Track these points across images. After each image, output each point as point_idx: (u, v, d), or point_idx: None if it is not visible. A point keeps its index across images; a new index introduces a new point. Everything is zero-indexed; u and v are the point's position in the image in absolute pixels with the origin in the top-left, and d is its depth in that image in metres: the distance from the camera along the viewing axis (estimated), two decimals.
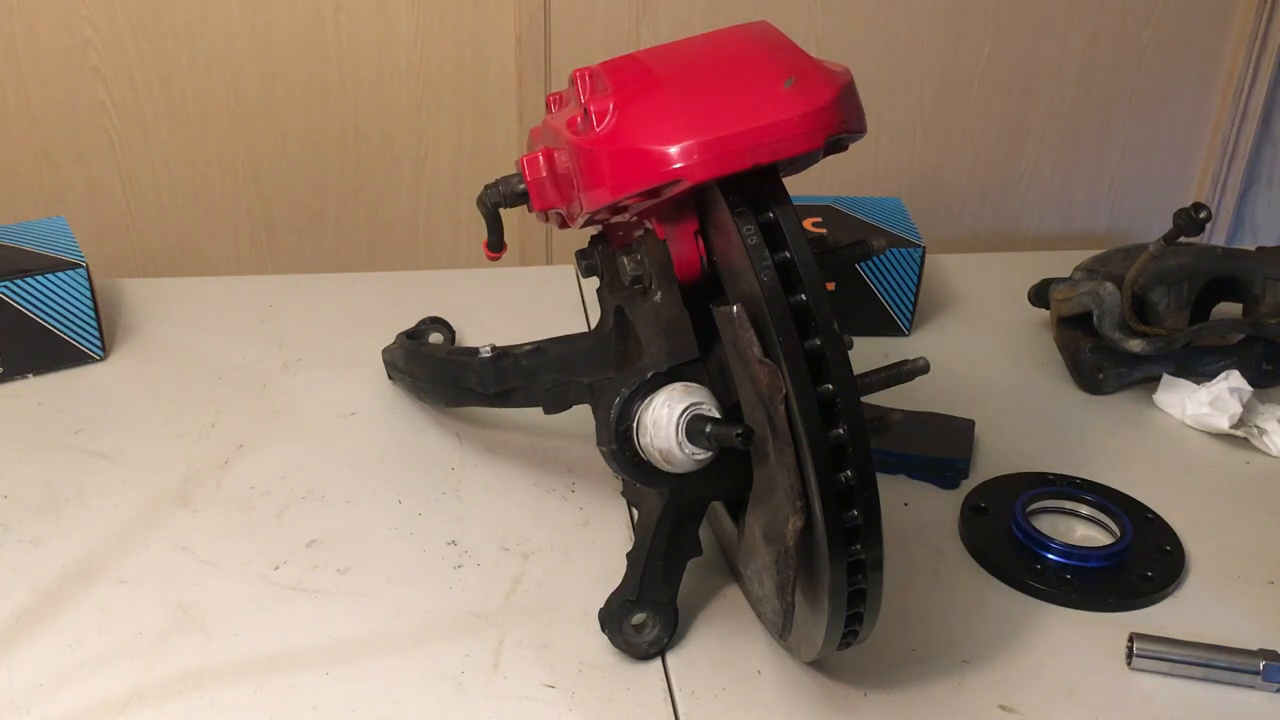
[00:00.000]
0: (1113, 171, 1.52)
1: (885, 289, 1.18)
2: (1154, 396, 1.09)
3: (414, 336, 1.10)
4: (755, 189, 0.68)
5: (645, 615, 0.78)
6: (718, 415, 0.69)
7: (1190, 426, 1.06)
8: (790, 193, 0.69)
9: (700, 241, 0.73)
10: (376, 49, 1.31)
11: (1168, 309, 1.08)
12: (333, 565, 0.86)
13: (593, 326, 0.89)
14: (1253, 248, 1.15)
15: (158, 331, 1.16)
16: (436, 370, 1.00)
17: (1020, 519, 0.89)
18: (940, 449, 0.98)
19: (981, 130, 1.47)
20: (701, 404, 0.69)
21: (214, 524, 0.90)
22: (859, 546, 0.67)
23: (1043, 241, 1.55)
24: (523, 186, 0.77)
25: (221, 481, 0.95)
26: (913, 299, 1.19)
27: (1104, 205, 1.54)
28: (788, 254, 0.67)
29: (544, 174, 0.76)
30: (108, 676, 0.76)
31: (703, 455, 0.69)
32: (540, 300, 1.25)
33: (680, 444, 0.69)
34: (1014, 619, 0.83)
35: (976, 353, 1.17)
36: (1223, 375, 1.06)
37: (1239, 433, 1.03)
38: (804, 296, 0.66)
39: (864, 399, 0.67)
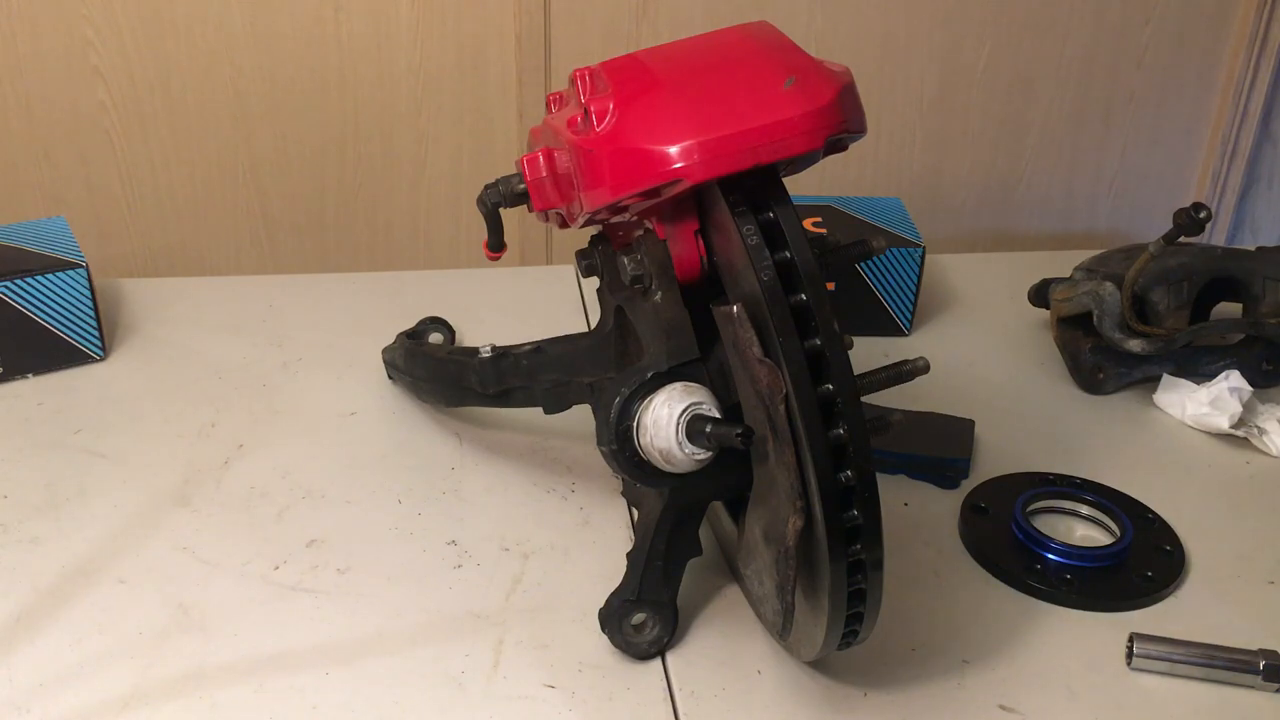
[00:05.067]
0: (1113, 171, 1.52)
1: (885, 289, 1.18)
2: (1154, 396, 1.09)
3: (414, 336, 1.10)
4: (755, 189, 0.68)
5: (645, 615, 0.78)
6: (718, 415, 0.69)
7: (1190, 426, 1.06)
8: (790, 193, 0.69)
9: (700, 241, 0.73)
10: (376, 49, 1.31)
11: (1168, 309, 1.08)
12: (333, 565, 0.86)
13: (593, 326, 0.89)
14: (1253, 248, 1.15)
15: (158, 331, 1.16)
16: (436, 370, 1.00)
17: (1020, 519, 0.89)
18: (940, 449, 0.98)
19: (981, 130, 1.47)
20: (701, 404, 0.69)
21: (214, 524, 0.90)
22: (859, 546, 0.67)
23: (1043, 241, 1.55)
24: (523, 186, 0.77)
25: (221, 481, 0.95)
26: (913, 299, 1.19)
27: (1104, 205, 1.54)
28: (788, 254, 0.67)
29: (544, 174, 0.76)
30: (108, 676, 0.76)
31: (703, 455, 0.69)
32: (540, 300, 1.25)
33: (680, 444, 0.69)
34: (1014, 619, 0.83)
35: (976, 353, 1.17)
36: (1223, 375, 1.06)
37: (1239, 433, 1.03)
38: (804, 296, 0.66)
39: (864, 399, 0.67)
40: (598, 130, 0.69)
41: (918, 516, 0.93)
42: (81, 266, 1.07)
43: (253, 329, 1.17)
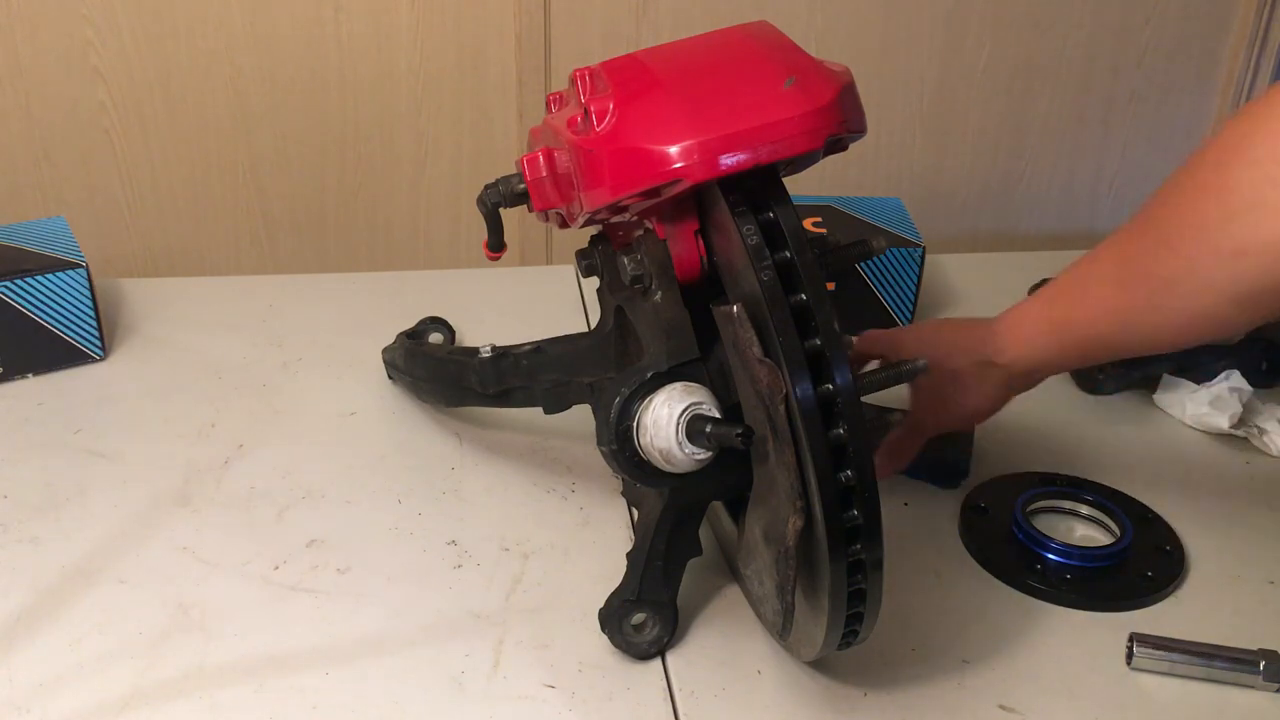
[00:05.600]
0: (1113, 171, 1.53)
1: (885, 289, 1.18)
2: (1154, 396, 1.09)
3: (414, 336, 1.10)
4: (755, 189, 0.68)
5: (645, 615, 0.78)
6: (718, 415, 0.69)
7: (1190, 426, 1.06)
8: (790, 193, 0.69)
9: (700, 241, 0.73)
10: (376, 49, 1.31)
11: None
12: (333, 565, 0.86)
13: (593, 326, 0.89)
14: None
15: (158, 331, 1.16)
16: (436, 370, 1.00)
17: (1020, 519, 0.89)
18: (940, 449, 0.98)
19: (981, 130, 1.47)
20: (701, 404, 0.69)
21: (214, 524, 0.90)
22: (859, 546, 0.67)
23: (1043, 241, 1.55)
24: (523, 186, 0.77)
25: (221, 481, 0.95)
26: (913, 299, 1.19)
27: (1104, 205, 1.54)
28: (788, 254, 0.67)
29: (544, 174, 0.76)
30: (108, 676, 0.76)
31: (703, 455, 0.69)
32: (540, 300, 1.25)
33: (680, 444, 0.69)
34: (1014, 619, 0.83)
35: None
36: (1223, 375, 1.06)
37: (1239, 433, 1.03)
38: (804, 296, 0.66)
39: (864, 399, 0.67)
40: (598, 130, 0.69)
41: (918, 516, 0.93)
42: (81, 266, 1.07)
43: (253, 329, 1.17)
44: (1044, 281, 1.18)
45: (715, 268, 0.73)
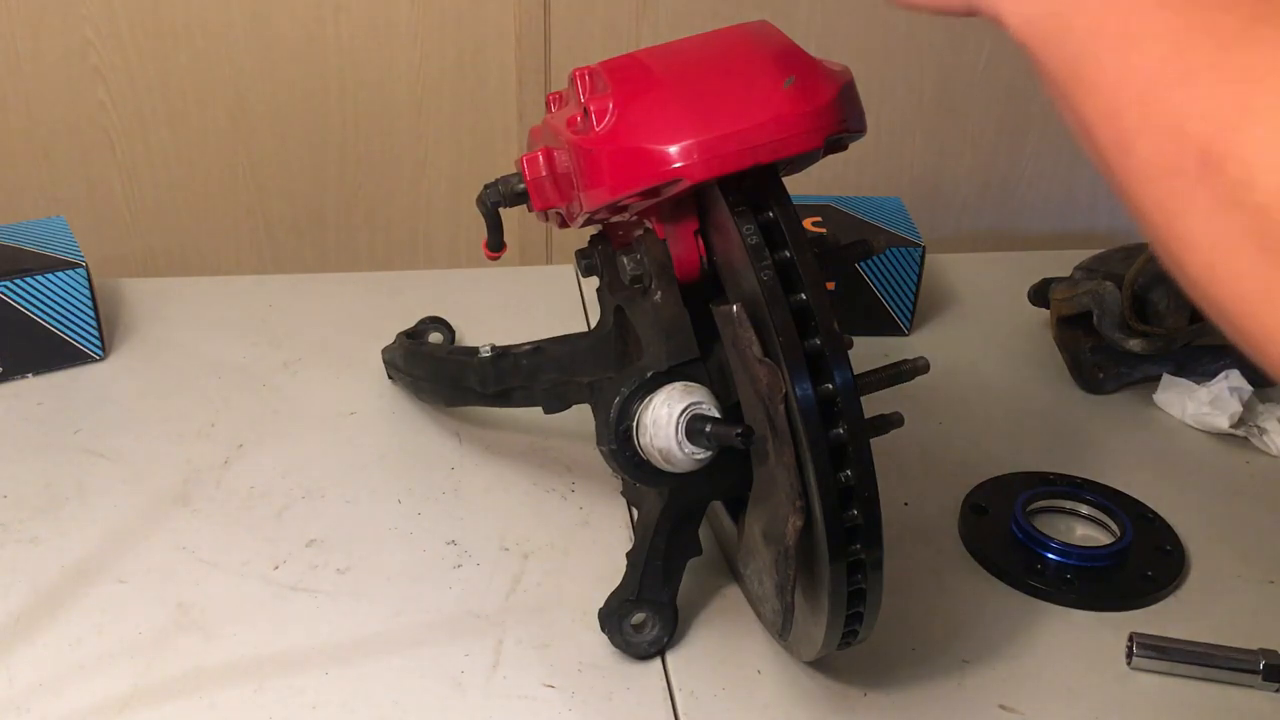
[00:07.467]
0: None
1: (885, 289, 1.18)
2: (1154, 396, 1.09)
3: (414, 336, 1.10)
4: (755, 188, 0.68)
5: (645, 615, 0.78)
6: (717, 415, 0.69)
7: (1190, 426, 1.06)
8: (790, 192, 0.69)
9: (700, 241, 0.73)
10: (376, 49, 1.31)
11: (1168, 308, 1.08)
12: (333, 565, 0.86)
13: (593, 326, 0.89)
14: None
15: (158, 331, 1.16)
16: (436, 370, 1.00)
17: (1020, 519, 0.89)
18: None
19: (981, 130, 1.46)
20: (701, 403, 0.69)
21: (214, 524, 0.90)
22: (859, 546, 0.67)
23: (1043, 241, 1.55)
24: (522, 186, 0.77)
25: (221, 481, 0.95)
26: (913, 299, 1.19)
27: (1104, 205, 1.54)
28: (788, 253, 0.67)
29: (543, 173, 0.75)
30: (108, 676, 0.76)
31: (702, 455, 0.69)
32: (540, 300, 1.24)
33: (680, 443, 0.69)
34: (1014, 619, 0.83)
35: (976, 353, 1.17)
36: (1223, 375, 1.06)
37: (1239, 432, 1.03)
38: (804, 296, 0.66)
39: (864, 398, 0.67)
40: (597, 130, 0.69)
41: (918, 516, 0.93)
42: (81, 266, 1.06)
43: (253, 329, 1.17)
44: (1045, 282, 1.18)
45: (715, 268, 0.73)
